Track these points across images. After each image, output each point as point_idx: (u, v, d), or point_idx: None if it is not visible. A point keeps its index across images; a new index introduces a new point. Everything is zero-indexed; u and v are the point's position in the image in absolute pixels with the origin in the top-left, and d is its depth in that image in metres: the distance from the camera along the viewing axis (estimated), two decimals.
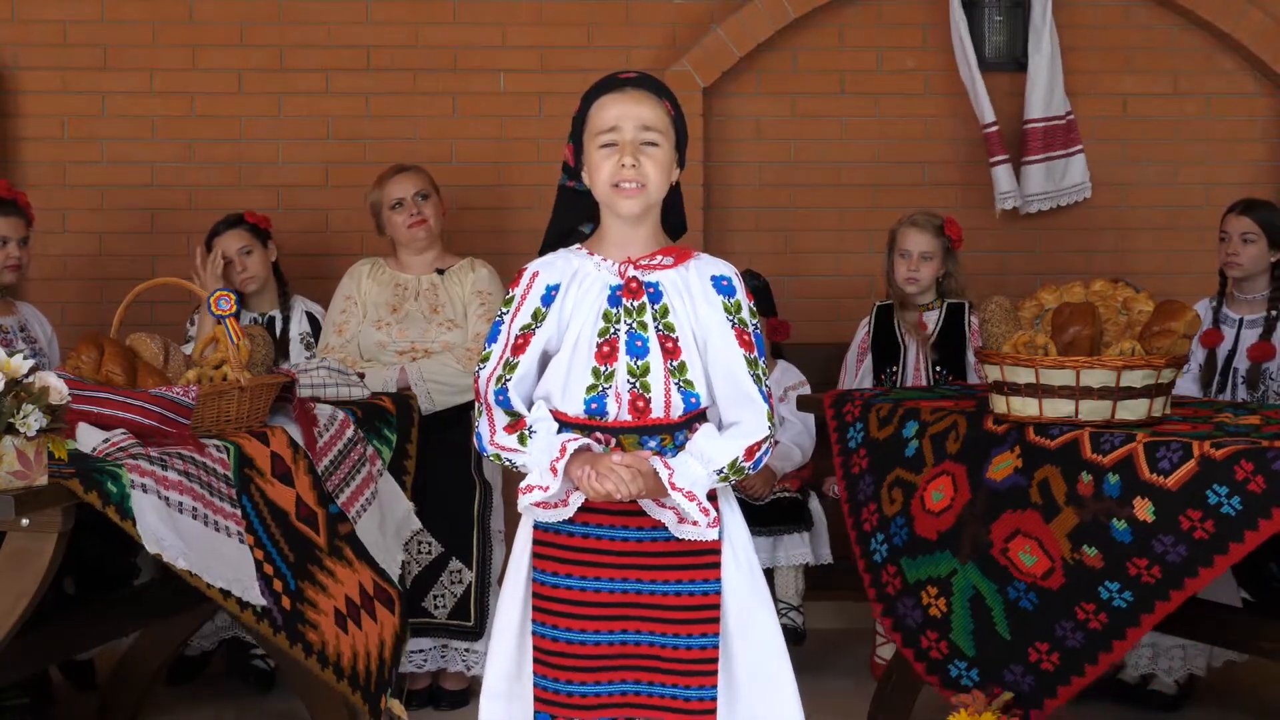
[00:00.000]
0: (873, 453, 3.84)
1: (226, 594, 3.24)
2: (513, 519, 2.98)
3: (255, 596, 3.30)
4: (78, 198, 5.37)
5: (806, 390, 4.90)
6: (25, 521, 2.86)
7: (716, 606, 2.66)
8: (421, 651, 4.38)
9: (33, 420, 2.85)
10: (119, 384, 3.44)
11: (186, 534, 3.17)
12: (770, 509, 4.61)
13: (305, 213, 5.34)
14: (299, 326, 4.82)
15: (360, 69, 5.42)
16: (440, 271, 4.61)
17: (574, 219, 2.76)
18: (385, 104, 5.43)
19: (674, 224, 2.77)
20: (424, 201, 4.60)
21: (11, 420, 2.84)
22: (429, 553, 4.36)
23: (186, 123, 5.39)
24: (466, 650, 4.40)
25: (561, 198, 2.78)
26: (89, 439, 3.22)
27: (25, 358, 2.89)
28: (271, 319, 4.80)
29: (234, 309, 3.58)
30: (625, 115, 2.64)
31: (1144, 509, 3.16)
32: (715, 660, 2.66)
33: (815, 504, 4.73)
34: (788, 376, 4.94)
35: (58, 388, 2.94)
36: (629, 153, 2.62)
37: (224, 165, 5.40)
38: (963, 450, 3.59)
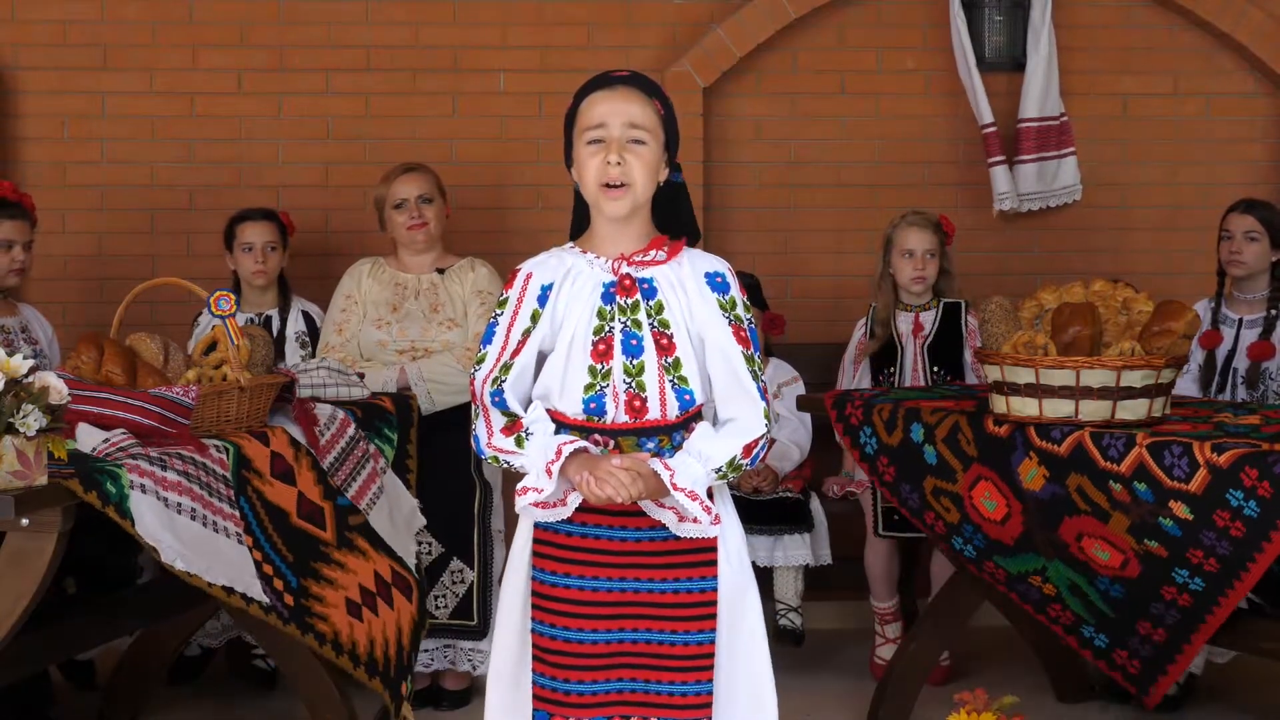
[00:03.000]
0: (895, 460, 3.85)
1: (230, 591, 3.24)
2: (512, 518, 2.98)
3: (258, 593, 3.30)
4: (78, 198, 5.37)
5: (800, 386, 4.91)
6: (25, 521, 2.86)
7: (714, 603, 2.67)
8: (427, 651, 4.38)
9: (33, 420, 2.85)
10: (119, 384, 3.44)
11: (184, 535, 3.16)
12: (772, 509, 4.61)
13: (305, 213, 5.33)
14: (295, 326, 4.83)
15: (360, 69, 5.42)
16: (440, 271, 4.61)
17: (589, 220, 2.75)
18: (385, 104, 5.42)
19: (686, 228, 2.73)
20: (426, 205, 4.59)
21: (11, 420, 2.84)
22: (429, 553, 4.36)
23: (186, 123, 5.39)
24: (471, 650, 4.40)
25: (579, 201, 2.77)
26: (89, 439, 3.22)
27: (26, 358, 2.89)
28: (269, 318, 4.81)
29: (234, 309, 3.59)
30: (613, 112, 2.63)
31: (1180, 509, 3.21)
32: (711, 656, 2.67)
33: (816, 505, 4.73)
34: (780, 373, 4.95)
35: (58, 388, 2.94)
36: (615, 150, 2.61)
37: (224, 165, 5.40)
38: (981, 453, 3.61)
